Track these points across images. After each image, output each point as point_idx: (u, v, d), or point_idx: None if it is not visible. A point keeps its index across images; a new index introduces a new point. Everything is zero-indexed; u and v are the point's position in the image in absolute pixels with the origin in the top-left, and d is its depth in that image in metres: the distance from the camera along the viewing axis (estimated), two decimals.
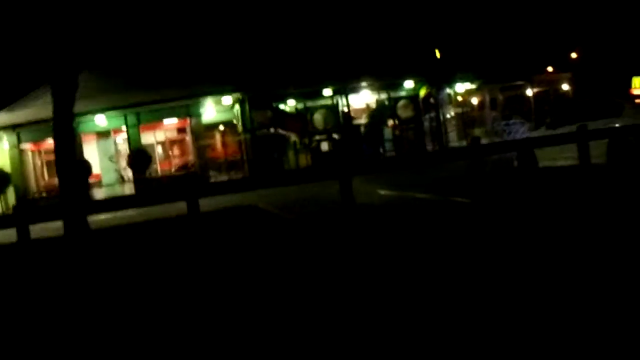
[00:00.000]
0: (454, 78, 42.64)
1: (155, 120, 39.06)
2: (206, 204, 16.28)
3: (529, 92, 46.18)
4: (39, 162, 40.79)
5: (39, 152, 40.25)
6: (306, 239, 13.65)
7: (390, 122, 40.29)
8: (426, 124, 40.80)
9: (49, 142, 37.35)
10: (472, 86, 44.72)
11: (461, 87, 44.44)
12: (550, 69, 52.54)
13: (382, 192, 20.83)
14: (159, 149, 40.81)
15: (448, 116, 43.60)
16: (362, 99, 40.68)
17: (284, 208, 20.13)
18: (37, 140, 38.56)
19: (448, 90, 43.71)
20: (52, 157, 39.23)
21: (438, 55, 43.64)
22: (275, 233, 15.40)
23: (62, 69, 20.07)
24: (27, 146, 39.14)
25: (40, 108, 34.81)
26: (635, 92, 44.95)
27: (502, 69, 43.95)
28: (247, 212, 20.54)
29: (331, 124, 38.58)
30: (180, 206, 16.06)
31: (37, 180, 40.32)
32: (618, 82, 46.11)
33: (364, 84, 39.61)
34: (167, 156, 40.85)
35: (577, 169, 17.86)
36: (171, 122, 39.82)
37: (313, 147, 38.38)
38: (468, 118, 44.65)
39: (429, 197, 17.83)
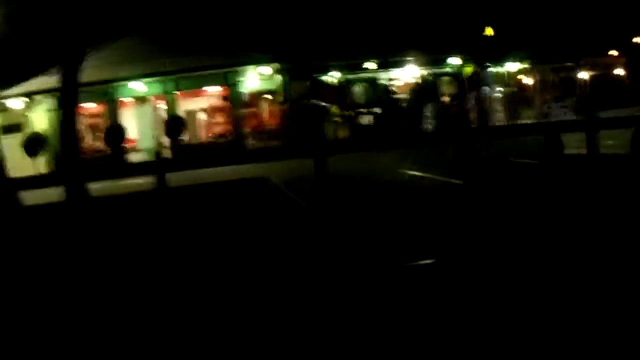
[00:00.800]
0: (503, 57, 41.42)
1: (194, 87, 38.82)
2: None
3: (582, 74, 44.54)
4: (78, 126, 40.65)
5: (78, 115, 40.01)
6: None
7: (446, 98, 39.28)
8: (472, 102, 39.62)
9: (87, 106, 38.05)
10: (523, 66, 43.40)
11: (512, 66, 43.16)
12: (614, 52, 50.81)
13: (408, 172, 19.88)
14: (198, 116, 40.43)
15: (496, 95, 42.36)
16: (406, 73, 39.73)
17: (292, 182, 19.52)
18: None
19: (498, 69, 42.50)
20: (90, 120, 40.04)
21: (491, 32, 42.49)
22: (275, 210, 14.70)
23: (67, 44, 19.80)
24: None
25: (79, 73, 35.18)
26: None
27: (554, 49, 42.51)
28: (255, 185, 19.95)
29: (371, 98, 37.69)
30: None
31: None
32: None
33: (407, 58, 38.68)
34: (205, 124, 40.36)
35: (599, 157, 17.45)
36: (210, 90, 39.34)
37: (352, 119, 37.54)
38: (518, 98, 43.29)
39: (436, 177, 17.27)
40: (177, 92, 38.80)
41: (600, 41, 48.01)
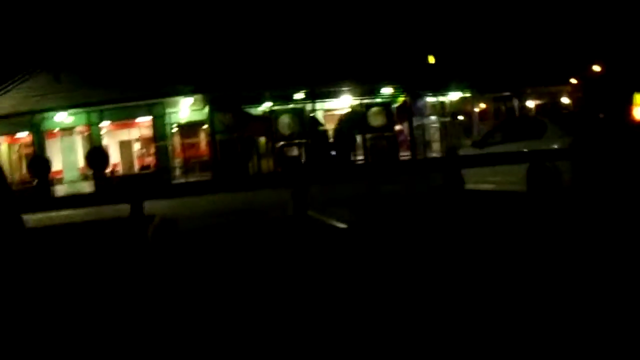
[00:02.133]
0: (442, 86, 40.73)
1: (120, 119, 38.20)
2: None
3: (518, 103, 43.88)
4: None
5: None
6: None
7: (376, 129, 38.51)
8: (404, 133, 38.94)
9: (19, 136, 37.80)
10: (463, 95, 42.72)
11: (453, 95, 42.47)
12: (573, 80, 50.29)
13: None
14: (132, 147, 39.95)
15: (435, 125, 41.65)
16: (335, 104, 39.00)
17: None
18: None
19: (437, 99, 41.83)
20: (21, 150, 39.62)
21: (432, 61, 41.75)
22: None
23: None
24: None
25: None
26: (637, 109, 42.78)
27: (496, 78, 41.82)
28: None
29: (298, 129, 36.87)
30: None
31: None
32: (626, 97, 43.90)
33: (336, 88, 37.96)
34: (130, 155, 39.75)
35: (497, 195, 17.09)
36: (136, 121, 38.77)
37: (277, 152, 36.74)
38: (457, 128, 42.57)
39: (317, 216, 16.32)
40: (106, 124, 38.17)
41: (558, 70, 47.41)
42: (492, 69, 41.88)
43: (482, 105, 44.19)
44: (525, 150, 16.43)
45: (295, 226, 14.15)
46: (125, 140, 40.24)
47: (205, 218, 19.29)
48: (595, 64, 55.03)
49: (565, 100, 47.31)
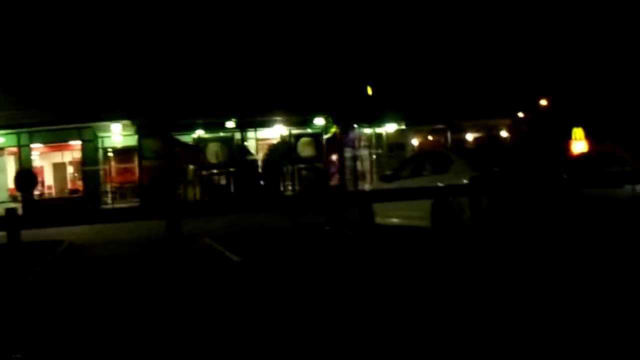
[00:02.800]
0: (377, 117, 40.85)
1: (50, 141, 38.13)
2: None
3: (451, 136, 44.05)
4: None
5: None
6: None
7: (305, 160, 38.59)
8: (333, 163, 39.07)
9: None
10: (399, 127, 42.85)
11: (388, 127, 42.58)
12: (521, 114, 50.56)
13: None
14: (56, 170, 39.81)
15: (369, 157, 41.76)
16: (265, 133, 39.11)
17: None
18: None
19: (371, 130, 41.95)
20: None
21: (370, 92, 41.88)
22: None
23: None
24: None
25: None
26: (575, 143, 43.11)
27: (430, 111, 42.00)
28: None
29: (226, 158, 36.95)
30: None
31: None
32: (565, 132, 44.24)
33: (267, 118, 38.08)
34: (63, 178, 39.63)
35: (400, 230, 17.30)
36: (66, 144, 38.66)
37: (205, 180, 36.79)
38: (393, 160, 42.55)
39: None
40: (39, 145, 38.05)
41: (499, 103, 47.59)
42: (428, 100, 42.02)
43: (416, 139, 44.34)
44: (429, 185, 16.42)
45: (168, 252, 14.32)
46: (59, 162, 40.11)
47: (119, 245, 19.37)
48: (541, 98, 55.40)
49: (504, 133, 47.55)
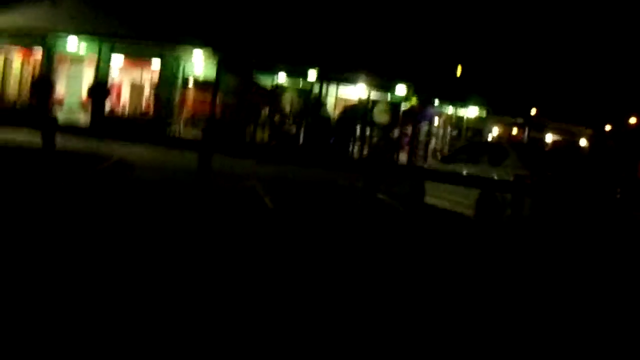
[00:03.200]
0: (459, 99, 40.02)
1: (131, 56, 37.76)
2: None
3: (529, 132, 43.13)
4: None
5: None
6: None
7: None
8: (404, 135, 38.34)
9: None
10: (479, 114, 41.95)
11: (468, 111, 41.73)
12: (608, 127, 49.42)
13: None
14: (134, 88, 39.49)
15: (445, 136, 41.01)
16: (346, 92, 38.37)
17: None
18: None
19: (453, 111, 41.15)
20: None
21: (459, 71, 41.05)
22: None
23: None
24: None
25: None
26: None
27: (511, 103, 41.10)
28: None
29: (301, 108, 36.42)
30: None
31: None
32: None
33: (350, 76, 37.26)
34: (136, 97, 39.31)
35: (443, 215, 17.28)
36: (147, 62, 38.24)
37: (276, 126, 36.31)
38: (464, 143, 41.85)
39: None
40: (118, 59, 37.75)
41: (585, 111, 46.53)
42: (514, 93, 41.18)
43: (495, 128, 43.47)
44: (480, 174, 16.18)
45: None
46: (138, 81, 39.76)
47: (169, 172, 19.42)
48: (631, 115, 54.05)
49: (582, 142, 46.44)
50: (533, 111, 43.83)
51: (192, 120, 37.67)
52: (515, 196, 14.34)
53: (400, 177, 20.79)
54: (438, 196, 18.00)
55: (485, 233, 15.32)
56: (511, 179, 15.19)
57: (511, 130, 44.10)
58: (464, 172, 16.85)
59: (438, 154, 39.39)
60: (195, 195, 14.93)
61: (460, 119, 41.60)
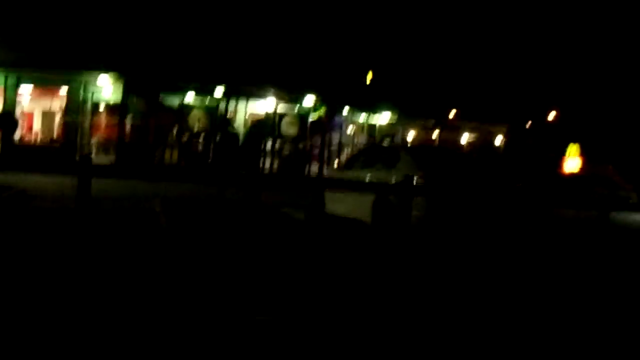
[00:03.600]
0: (367, 104, 40.44)
1: (39, 85, 37.85)
2: None
3: (440, 133, 43.67)
4: None
5: None
6: None
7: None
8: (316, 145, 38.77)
9: None
10: (391, 119, 42.42)
11: (379, 117, 42.20)
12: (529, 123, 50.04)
13: None
14: (44, 116, 39.47)
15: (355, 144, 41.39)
16: (253, 107, 38.73)
17: None
18: None
19: (364, 118, 41.56)
20: None
21: (369, 78, 41.50)
22: None
23: None
24: None
25: None
26: (568, 159, 42.42)
27: (424, 105, 41.59)
28: None
29: (208, 126, 36.69)
30: None
31: None
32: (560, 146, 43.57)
33: (257, 91, 37.63)
34: (46, 125, 39.32)
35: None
36: (54, 90, 38.33)
37: (184, 145, 36.54)
38: None
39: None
40: (26, 88, 37.75)
41: (499, 109, 47.05)
42: (424, 95, 41.64)
43: (407, 132, 43.97)
44: (374, 178, 16.67)
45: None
46: (47, 109, 39.69)
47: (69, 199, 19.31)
48: (551, 110, 54.78)
49: (498, 140, 47.11)
50: (452, 112, 44.30)
51: (103, 145, 37.81)
52: (404, 197, 14.46)
53: (301, 188, 21.09)
54: (338, 204, 18.16)
55: (378, 237, 15.64)
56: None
57: (430, 133, 44.58)
58: (362, 178, 17.24)
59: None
60: (84, 220, 15.16)
61: (373, 126, 42.03)
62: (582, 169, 38.17)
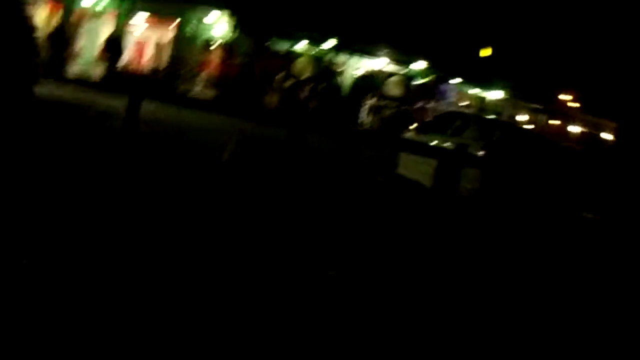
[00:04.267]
0: (476, 78, 39.40)
1: (152, 15, 37.92)
2: None
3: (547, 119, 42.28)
4: None
5: None
6: None
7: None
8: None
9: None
10: (503, 97, 41.27)
11: (487, 93, 41.12)
12: None
13: None
14: (157, 45, 39.62)
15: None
16: (362, 63, 37.99)
17: None
18: None
19: (474, 91, 40.55)
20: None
21: (486, 53, 40.32)
22: None
23: None
24: None
25: None
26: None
27: (532, 88, 40.25)
28: None
29: (312, 75, 36.23)
30: None
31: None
32: None
33: (367, 47, 36.93)
34: (153, 54, 39.39)
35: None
36: (166, 22, 38.34)
37: (286, 91, 36.10)
38: None
39: None
40: (131, 15, 37.87)
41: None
42: (536, 78, 40.31)
43: (514, 112, 42.69)
44: (442, 144, 16.21)
45: None
46: (157, 38, 39.76)
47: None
48: None
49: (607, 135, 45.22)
50: (565, 99, 42.75)
51: (209, 81, 37.71)
52: (454, 166, 14.08)
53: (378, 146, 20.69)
54: (406, 166, 17.84)
55: (432, 205, 14.92)
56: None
57: (537, 117, 43.06)
58: (432, 143, 16.83)
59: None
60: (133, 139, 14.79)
61: (482, 100, 40.99)
62: None
